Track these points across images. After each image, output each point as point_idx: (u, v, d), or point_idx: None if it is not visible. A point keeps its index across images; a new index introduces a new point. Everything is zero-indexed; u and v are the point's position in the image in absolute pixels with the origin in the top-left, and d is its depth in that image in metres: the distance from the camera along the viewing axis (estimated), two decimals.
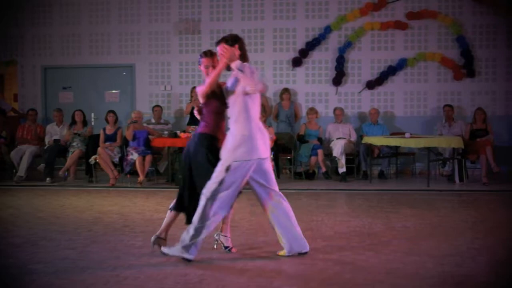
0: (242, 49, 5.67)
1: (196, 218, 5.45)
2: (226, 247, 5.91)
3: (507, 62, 12.78)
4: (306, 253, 5.70)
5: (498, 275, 5.18)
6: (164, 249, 5.61)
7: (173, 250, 5.52)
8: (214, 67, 5.75)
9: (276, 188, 5.74)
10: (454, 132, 11.88)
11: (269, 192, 5.67)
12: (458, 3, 12.82)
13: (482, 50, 12.77)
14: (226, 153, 5.47)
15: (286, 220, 5.68)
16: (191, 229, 5.45)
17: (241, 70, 5.49)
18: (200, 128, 5.77)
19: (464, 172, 11.28)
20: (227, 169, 5.42)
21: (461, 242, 6.30)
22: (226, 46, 5.62)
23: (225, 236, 5.94)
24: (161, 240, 5.87)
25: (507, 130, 12.63)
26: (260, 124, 5.60)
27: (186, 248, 5.43)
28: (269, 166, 5.68)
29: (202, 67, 5.87)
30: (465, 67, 12.72)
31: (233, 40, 5.69)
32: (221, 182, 5.42)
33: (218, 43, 5.73)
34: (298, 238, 5.70)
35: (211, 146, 5.64)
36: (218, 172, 5.44)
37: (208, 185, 5.45)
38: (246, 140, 5.45)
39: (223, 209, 5.49)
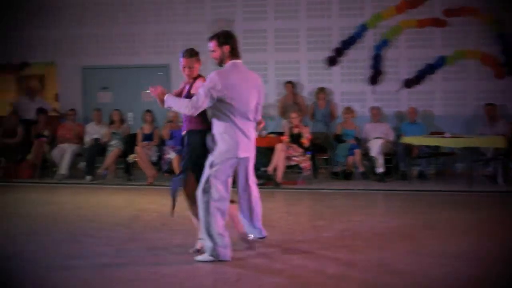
0: (233, 48, 5.74)
1: (202, 222, 5.52)
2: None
3: None
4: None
5: None
6: (198, 257, 5.57)
7: (205, 257, 5.51)
8: (190, 68, 5.87)
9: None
10: (496, 131, 11.55)
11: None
12: None
13: None
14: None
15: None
16: (205, 236, 5.49)
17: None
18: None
19: (508, 173, 11.00)
20: (210, 166, 5.52)
21: (499, 246, 6.16)
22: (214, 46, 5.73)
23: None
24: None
25: None
26: (244, 122, 5.60)
27: (214, 254, 5.46)
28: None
29: (180, 66, 5.88)
30: (507, 65, 12.47)
31: (225, 38, 5.73)
32: (207, 181, 5.50)
33: (211, 38, 5.75)
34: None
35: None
36: (205, 171, 5.55)
37: (200, 186, 5.54)
38: (223, 139, 5.52)
39: (222, 205, 5.52)
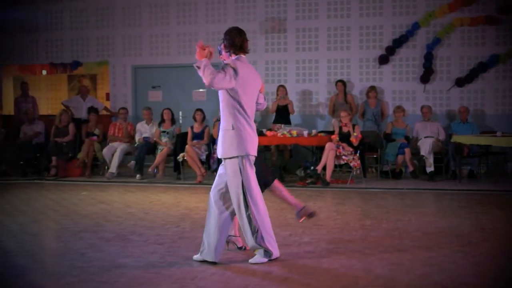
0: (229, 44, 5.64)
1: (245, 224, 5.43)
2: (239, 247, 5.93)
3: None
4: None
5: None
6: (251, 260, 5.51)
7: (257, 259, 5.47)
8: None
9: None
10: None
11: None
12: None
13: None
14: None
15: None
16: (250, 237, 5.44)
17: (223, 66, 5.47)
18: None
19: None
20: (220, 163, 5.52)
21: None
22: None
23: (235, 236, 5.97)
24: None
25: None
26: (250, 118, 5.51)
27: (264, 253, 5.45)
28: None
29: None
30: None
31: (224, 36, 5.71)
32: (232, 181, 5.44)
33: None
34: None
35: None
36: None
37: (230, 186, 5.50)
38: (231, 136, 5.43)
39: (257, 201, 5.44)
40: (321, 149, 11.12)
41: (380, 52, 13.02)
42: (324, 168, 10.73)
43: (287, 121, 12.46)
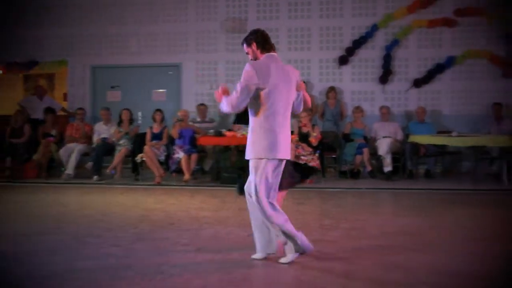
0: (259, 42, 5.47)
1: (267, 224, 5.37)
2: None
3: None
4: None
5: None
6: (282, 259, 5.43)
7: (288, 258, 5.39)
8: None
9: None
10: (503, 130, 11.63)
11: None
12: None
13: None
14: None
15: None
16: (273, 235, 5.40)
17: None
18: None
19: None
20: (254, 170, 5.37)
21: (508, 245, 6.18)
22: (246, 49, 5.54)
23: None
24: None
25: None
26: (282, 121, 5.39)
27: (298, 248, 5.36)
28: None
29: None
30: None
31: (250, 36, 5.52)
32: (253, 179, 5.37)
33: (242, 44, 5.66)
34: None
35: None
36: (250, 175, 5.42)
37: (248, 185, 5.43)
38: (254, 137, 5.37)
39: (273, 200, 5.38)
40: None
41: (340, 53, 13.12)
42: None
43: (247, 122, 12.35)
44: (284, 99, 5.40)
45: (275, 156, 5.31)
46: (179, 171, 11.42)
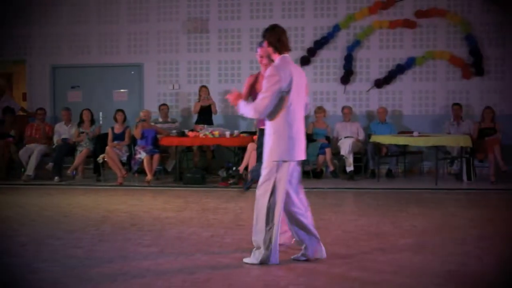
0: (272, 42, 5.44)
1: (261, 225, 5.37)
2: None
3: None
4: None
5: (503, 274, 5.15)
6: (246, 259, 5.47)
7: (252, 259, 5.40)
8: (268, 57, 5.70)
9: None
10: (462, 130, 11.84)
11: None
12: (466, 1, 12.76)
13: (491, 48, 12.70)
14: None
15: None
16: (261, 238, 5.37)
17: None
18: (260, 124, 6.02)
19: (472, 170, 11.24)
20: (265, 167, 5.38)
21: (468, 241, 6.30)
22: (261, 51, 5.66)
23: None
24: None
25: None
26: (301, 124, 5.44)
27: (265, 258, 5.34)
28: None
29: (257, 56, 5.80)
30: (474, 65, 12.66)
31: (264, 36, 5.52)
32: (264, 182, 5.35)
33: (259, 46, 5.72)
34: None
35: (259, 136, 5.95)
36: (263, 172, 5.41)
37: (259, 186, 5.40)
38: (272, 140, 5.34)
39: (279, 208, 5.38)
40: (243, 149, 11.14)
41: (301, 53, 13.16)
42: (246, 168, 10.75)
43: (209, 122, 12.42)
44: (302, 101, 5.48)
45: (296, 158, 5.39)
46: (141, 171, 11.33)
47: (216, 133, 11.22)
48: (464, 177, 11.17)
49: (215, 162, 12.44)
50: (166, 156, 12.13)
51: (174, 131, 12.07)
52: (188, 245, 6.14)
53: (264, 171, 5.37)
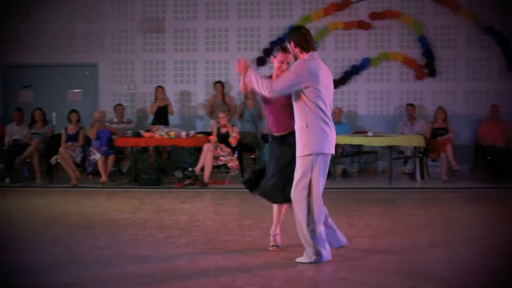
0: (297, 42, 5.50)
1: (303, 225, 5.43)
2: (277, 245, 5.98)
3: (467, 62, 12.96)
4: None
5: (457, 272, 5.24)
6: (298, 259, 5.47)
7: (305, 259, 5.42)
8: (288, 63, 5.70)
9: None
10: (415, 130, 12.03)
11: None
12: (420, 4, 12.97)
13: (443, 50, 12.93)
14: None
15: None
16: (307, 238, 5.41)
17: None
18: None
19: (425, 170, 11.45)
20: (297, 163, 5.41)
21: (422, 239, 6.39)
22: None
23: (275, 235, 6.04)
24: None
25: (466, 129, 12.77)
26: (330, 119, 5.44)
27: (316, 256, 5.38)
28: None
29: (276, 61, 5.73)
30: (427, 67, 12.89)
31: (289, 37, 5.59)
32: (300, 180, 5.38)
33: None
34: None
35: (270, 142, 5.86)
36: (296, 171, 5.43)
37: (295, 186, 5.43)
38: (305, 134, 5.35)
39: (317, 204, 5.47)
40: (199, 150, 11.11)
41: (257, 54, 13.18)
42: (202, 169, 10.72)
43: (165, 122, 12.34)
44: (331, 98, 5.53)
45: (329, 151, 5.40)
46: (96, 172, 11.18)
47: (172, 133, 11.16)
48: (418, 177, 11.36)
49: (171, 163, 12.37)
50: (121, 157, 12.01)
51: (130, 131, 11.96)
52: (143, 246, 6.09)
53: (298, 171, 5.38)
